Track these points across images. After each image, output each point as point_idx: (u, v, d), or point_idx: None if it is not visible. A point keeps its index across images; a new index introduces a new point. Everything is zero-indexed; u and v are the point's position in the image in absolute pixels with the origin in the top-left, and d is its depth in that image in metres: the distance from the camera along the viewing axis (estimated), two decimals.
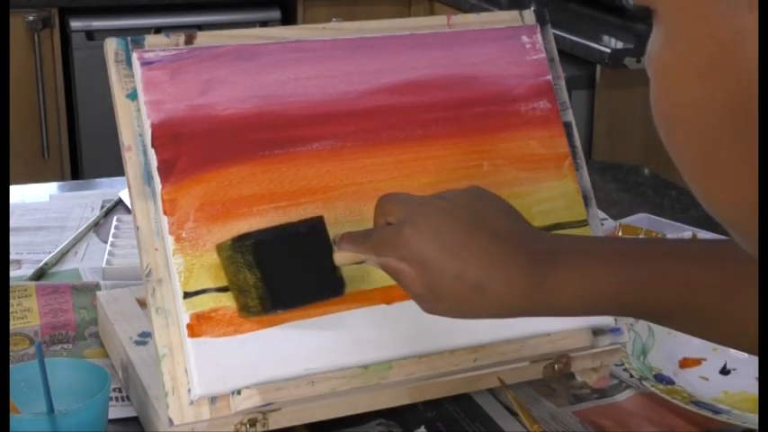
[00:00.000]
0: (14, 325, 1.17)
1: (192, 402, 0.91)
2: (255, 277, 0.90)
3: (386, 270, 0.84)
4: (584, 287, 0.80)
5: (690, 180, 0.56)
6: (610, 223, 1.47)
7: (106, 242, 1.42)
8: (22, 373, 0.96)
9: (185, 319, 0.91)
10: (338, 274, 0.92)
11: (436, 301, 0.82)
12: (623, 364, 1.13)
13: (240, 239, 0.91)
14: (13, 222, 1.48)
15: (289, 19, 3.44)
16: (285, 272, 0.90)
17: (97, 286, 1.25)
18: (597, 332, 1.04)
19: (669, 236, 1.40)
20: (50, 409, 0.93)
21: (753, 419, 1.03)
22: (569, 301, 0.81)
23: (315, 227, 0.91)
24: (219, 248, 0.93)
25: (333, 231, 0.91)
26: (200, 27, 3.26)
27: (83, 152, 3.34)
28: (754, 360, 1.16)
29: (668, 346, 1.17)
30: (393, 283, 0.85)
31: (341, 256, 0.89)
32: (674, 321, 0.84)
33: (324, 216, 0.93)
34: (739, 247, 0.58)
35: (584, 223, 1.06)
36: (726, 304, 0.80)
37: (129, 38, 0.96)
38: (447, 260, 0.80)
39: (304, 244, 0.91)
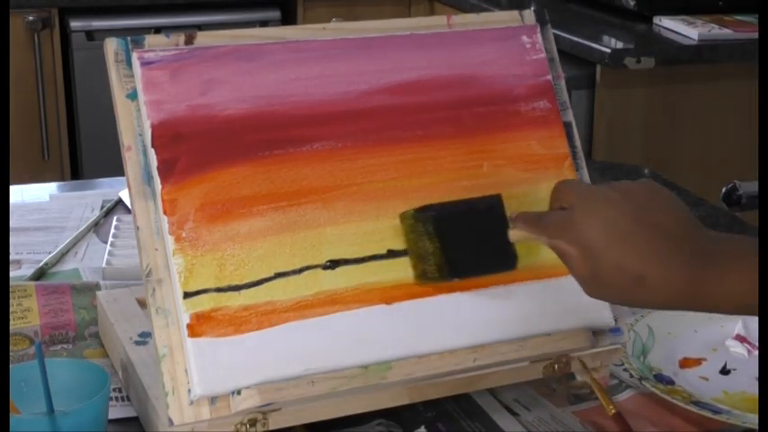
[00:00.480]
0: (14, 325, 1.17)
1: (192, 402, 0.91)
2: (434, 246, 0.96)
3: (555, 251, 0.88)
4: (744, 288, 0.82)
5: None
6: None
7: (106, 242, 1.42)
8: (22, 373, 0.96)
9: (185, 319, 0.91)
10: (512, 249, 0.97)
11: (597, 286, 0.85)
12: (623, 364, 1.13)
13: (422, 210, 0.97)
14: (13, 222, 1.48)
15: (289, 19, 3.44)
16: (463, 243, 0.96)
17: (97, 286, 1.25)
18: (597, 332, 1.04)
19: None
20: (50, 409, 0.93)
21: (753, 419, 1.03)
22: (727, 301, 0.83)
23: (493, 204, 0.97)
24: (402, 216, 0.98)
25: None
26: (200, 27, 3.27)
27: (83, 152, 3.33)
28: (755, 360, 1.16)
29: (668, 346, 1.17)
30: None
31: (515, 234, 0.94)
32: None
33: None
34: None
35: None
36: None
37: (129, 38, 0.97)
38: (610, 250, 0.83)
39: (482, 219, 0.97)
